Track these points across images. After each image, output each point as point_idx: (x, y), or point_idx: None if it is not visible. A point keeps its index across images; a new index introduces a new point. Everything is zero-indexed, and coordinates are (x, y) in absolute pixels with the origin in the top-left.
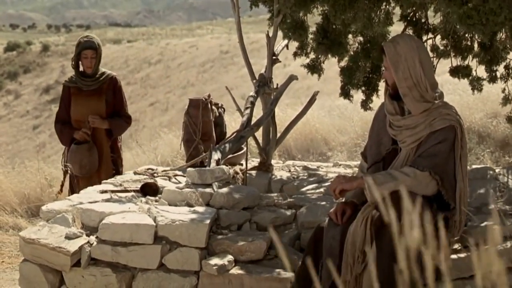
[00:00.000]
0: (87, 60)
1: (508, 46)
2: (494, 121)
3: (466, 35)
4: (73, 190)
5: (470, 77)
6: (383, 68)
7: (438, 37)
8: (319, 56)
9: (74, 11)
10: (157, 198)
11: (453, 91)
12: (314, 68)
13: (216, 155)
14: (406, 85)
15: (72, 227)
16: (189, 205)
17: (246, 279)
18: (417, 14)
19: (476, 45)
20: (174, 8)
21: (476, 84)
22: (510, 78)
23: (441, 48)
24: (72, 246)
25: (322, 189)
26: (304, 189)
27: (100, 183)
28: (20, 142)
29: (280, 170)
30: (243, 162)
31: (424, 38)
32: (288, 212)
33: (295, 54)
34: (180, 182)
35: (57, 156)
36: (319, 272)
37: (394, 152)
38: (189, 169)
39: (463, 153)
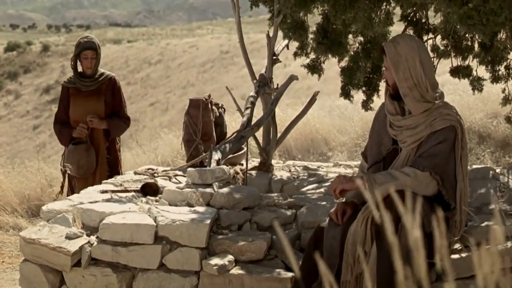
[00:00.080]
0: (87, 60)
1: (508, 46)
2: (494, 121)
3: (467, 35)
4: (72, 191)
5: (471, 77)
6: (383, 68)
7: (439, 37)
8: (319, 56)
9: (74, 11)
10: (157, 198)
11: (454, 91)
12: (314, 68)
13: (217, 155)
14: (406, 85)
15: (72, 227)
16: (190, 205)
17: (246, 279)
18: (417, 14)
19: (476, 45)
20: (174, 8)
21: (476, 84)
22: (510, 78)
23: (442, 48)
24: (73, 246)
25: (322, 189)
26: (304, 189)
27: (95, 184)
28: (20, 142)
29: (281, 170)
30: (244, 162)
31: (425, 38)
32: (289, 212)
33: (295, 54)
34: (180, 182)
35: (57, 156)
36: (319, 272)
37: (395, 152)
38: (189, 169)
39: (463, 153)
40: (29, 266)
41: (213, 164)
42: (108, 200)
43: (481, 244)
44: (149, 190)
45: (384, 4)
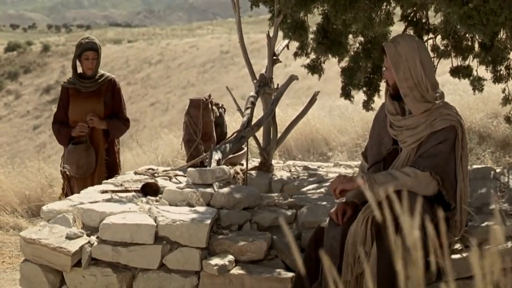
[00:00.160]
0: (88, 61)
1: (508, 46)
2: (494, 121)
3: (467, 35)
4: (72, 192)
5: (471, 77)
6: (384, 68)
7: (439, 37)
8: (320, 56)
9: (75, 11)
10: (157, 198)
11: (454, 91)
12: (315, 68)
13: (217, 155)
14: (407, 85)
15: (72, 227)
16: (190, 205)
17: (246, 279)
18: (417, 14)
19: (476, 46)
20: (174, 8)
21: (477, 84)
22: (510, 78)
23: (442, 48)
24: (73, 246)
25: (322, 189)
26: (304, 189)
27: (93, 185)
28: (21, 142)
29: (281, 170)
30: (244, 162)
31: (425, 38)
32: (289, 212)
33: (296, 54)
34: (180, 182)
35: (57, 156)
36: (320, 272)
37: (395, 152)
38: (189, 169)
39: (463, 153)
40: (29, 266)
41: (214, 164)
42: (108, 200)
43: (482, 244)
44: (150, 190)
45: (385, 4)
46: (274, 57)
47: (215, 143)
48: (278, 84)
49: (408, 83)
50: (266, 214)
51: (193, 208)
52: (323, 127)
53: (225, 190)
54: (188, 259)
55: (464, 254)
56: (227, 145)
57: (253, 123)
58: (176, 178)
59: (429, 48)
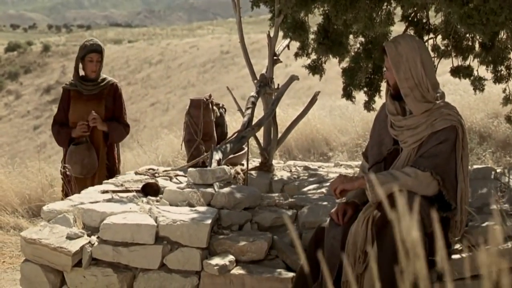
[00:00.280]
0: (92, 63)
1: (509, 46)
2: (495, 121)
3: (467, 35)
4: (73, 193)
5: (472, 77)
6: (384, 69)
7: (439, 37)
8: (320, 57)
9: (75, 11)
10: (158, 198)
11: (454, 91)
12: (315, 68)
13: (217, 155)
14: (407, 85)
15: (73, 227)
16: (190, 205)
17: (247, 279)
18: (418, 14)
19: (477, 45)
20: (174, 8)
21: (477, 84)
22: (511, 78)
23: (442, 48)
24: (73, 246)
25: (323, 189)
26: (305, 189)
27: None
28: (21, 142)
29: (281, 170)
30: (244, 162)
31: (425, 38)
32: (289, 212)
33: (296, 55)
34: (181, 182)
35: (58, 157)
36: (321, 272)
37: (396, 153)
38: (190, 169)
39: (464, 153)
40: (30, 266)
41: (214, 164)
42: (109, 200)
43: (482, 244)
44: (150, 190)
45: (385, 4)
46: (275, 57)
47: (215, 143)
48: (278, 84)
49: (408, 83)
50: (266, 214)
51: (193, 208)
52: (323, 127)
53: (226, 190)
54: (188, 259)
55: (464, 254)
56: (228, 145)
57: (253, 123)
58: (176, 178)
59: (429, 48)
